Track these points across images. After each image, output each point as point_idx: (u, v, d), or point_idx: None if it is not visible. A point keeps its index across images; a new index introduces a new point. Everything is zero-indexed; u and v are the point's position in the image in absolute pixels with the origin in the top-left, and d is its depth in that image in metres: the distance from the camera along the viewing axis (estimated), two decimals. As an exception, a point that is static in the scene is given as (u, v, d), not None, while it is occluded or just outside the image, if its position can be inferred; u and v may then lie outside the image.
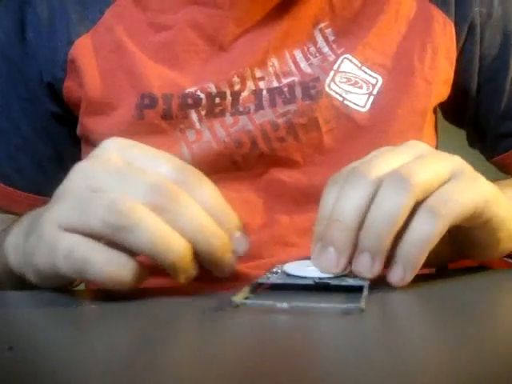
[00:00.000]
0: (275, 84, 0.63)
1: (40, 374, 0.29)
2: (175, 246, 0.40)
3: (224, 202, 0.43)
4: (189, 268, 0.41)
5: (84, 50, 0.65)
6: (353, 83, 0.63)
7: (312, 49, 0.64)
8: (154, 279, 0.41)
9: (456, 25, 0.66)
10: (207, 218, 0.41)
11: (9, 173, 0.71)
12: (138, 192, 0.40)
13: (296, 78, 0.63)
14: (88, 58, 0.65)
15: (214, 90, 0.63)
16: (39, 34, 0.67)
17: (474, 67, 0.69)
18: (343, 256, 0.41)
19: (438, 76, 0.65)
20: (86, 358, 0.31)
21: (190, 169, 0.43)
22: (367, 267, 0.41)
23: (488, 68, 0.69)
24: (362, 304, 0.37)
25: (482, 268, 0.49)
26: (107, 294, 0.40)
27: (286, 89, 0.63)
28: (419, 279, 0.42)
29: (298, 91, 0.62)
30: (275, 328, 0.36)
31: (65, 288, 0.43)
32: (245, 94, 0.63)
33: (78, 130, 0.68)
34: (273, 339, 0.33)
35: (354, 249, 0.41)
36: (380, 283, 0.41)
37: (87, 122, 0.66)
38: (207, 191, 0.43)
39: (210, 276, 0.43)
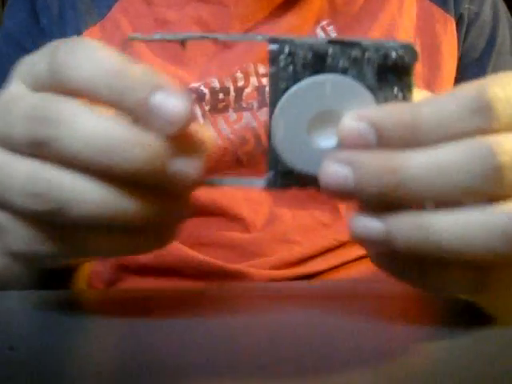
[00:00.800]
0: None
1: (40, 373, 0.29)
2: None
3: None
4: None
5: None
6: None
7: None
8: (154, 280, 0.41)
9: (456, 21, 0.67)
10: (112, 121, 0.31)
11: None
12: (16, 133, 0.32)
13: None
14: None
15: (217, 85, 0.63)
16: (51, 21, 0.67)
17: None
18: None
19: (440, 75, 0.65)
20: (87, 358, 0.31)
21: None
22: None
23: (465, 71, 0.69)
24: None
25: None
26: (108, 294, 0.40)
27: (288, 86, 0.63)
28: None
29: None
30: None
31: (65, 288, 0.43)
32: (248, 90, 0.63)
33: None
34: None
35: None
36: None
37: None
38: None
39: (210, 275, 0.43)
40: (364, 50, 0.30)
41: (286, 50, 0.31)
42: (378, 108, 0.30)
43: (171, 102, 0.29)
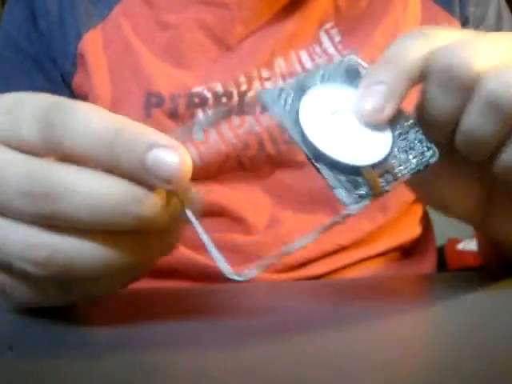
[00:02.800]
0: (281, 85, 0.63)
1: (40, 374, 0.30)
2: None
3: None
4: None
5: (93, 45, 0.65)
6: None
7: (317, 49, 0.64)
8: (154, 281, 0.41)
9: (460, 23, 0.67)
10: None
11: None
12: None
13: None
14: (97, 55, 0.65)
15: (220, 89, 0.63)
16: (50, 24, 0.67)
17: None
18: (393, 101, 0.34)
19: None
20: (87, 359, 0.31)
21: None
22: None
23: None
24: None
25: (481, 269, 0.49)
26: (108, 294, 0.40)
27: (291, 90, 0.63)
28: (419, 280, 0.42)
29: None
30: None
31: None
32: (251, 94, 0.63)
33: None
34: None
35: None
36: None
37: None
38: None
39: (210, 277, 0.42)
40: (327, 66, 0.35)
41: (277, 91, 0.34)
42: None
43: (167, 160, 0.29)
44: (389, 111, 0.34)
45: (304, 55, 0.64)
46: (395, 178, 0.33)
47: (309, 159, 0.32)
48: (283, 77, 0.63)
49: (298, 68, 0.63)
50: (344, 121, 0.34)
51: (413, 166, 0.33)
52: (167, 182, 0.29)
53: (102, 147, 0.29)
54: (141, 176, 0.29)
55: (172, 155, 0.29)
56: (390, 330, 0.35)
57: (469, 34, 0.36)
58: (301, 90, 0.34)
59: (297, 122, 0.33)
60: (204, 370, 0.30)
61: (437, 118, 0.35)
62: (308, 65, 0.64)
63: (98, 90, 0.64)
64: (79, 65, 0.65)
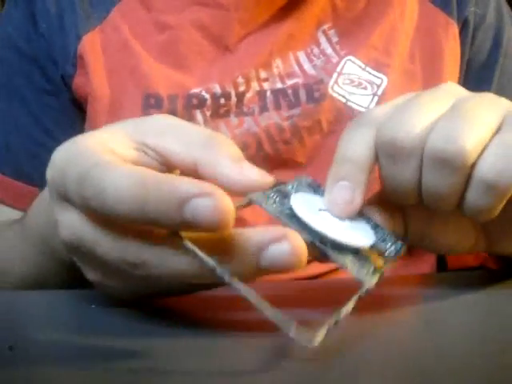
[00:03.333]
0: (279, 85, 0.63)
1: (40, 374, 0.30)
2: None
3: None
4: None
5: (91, 46, 0.65)
6: (356, 84, 0.63)
7: (315, 50, 0.64)
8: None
9: (458, 24, 0.67)
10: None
11: (29, 171, 0.68)
12: None
13: (300, 80, 0.63)
14: (95, 56, 0.65)
15: (218, 90, 0.63)
16: (50, 26, 0.67)
17: (462, 67, 0.69)
18: (358, 190, 0.36)
19: (442, 78, 0.66)
20: (87, 359, 0.31)
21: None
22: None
23: (474, 74, 0.69)
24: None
25: (481, 269, 0.49)
26: (108, 295, 0.40)
27: (290, 91, 0.63)
28: (419, 280, 0.42)
29: (303, 94, 0.63)
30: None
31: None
32: (249, 94, 0.63)
33: (86, 126, 0.67)
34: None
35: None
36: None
37: (94, 120, 0.66)
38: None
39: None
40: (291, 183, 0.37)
41: (264, 194, 0.36)
42: None
43: (206, 207, 0.28)
44: (358, 200, 0.36)
45: (302, 56, 0.64)
46: (387, 260, 0.36)
47: (315, 246, 0.34)
48: (281, 78, 0.63)
49: (296, 69, 0.64)
50: (327, 217, 0.36)
51: (392, 252, 0.36)
52: (213, 229, 0.29)
53: (137, 215, 0.30)
54: (182, 228, 0.30)
55: (209, 201, 0.28)
56: (390, 329, 0.35)
57: (406, 99, 0.37)
58: (283, 195, 0.36)
59: (292, 217, 0.35)
60: (205, 367, 0.30)
61: (400, 187, 0.37)
62: (306, 66, 0.64)
63: (97, 91, 0.64)
64: (79, 66, 0.65)
